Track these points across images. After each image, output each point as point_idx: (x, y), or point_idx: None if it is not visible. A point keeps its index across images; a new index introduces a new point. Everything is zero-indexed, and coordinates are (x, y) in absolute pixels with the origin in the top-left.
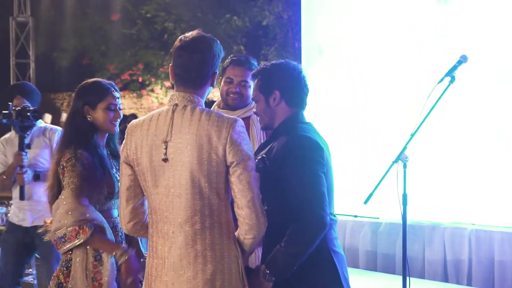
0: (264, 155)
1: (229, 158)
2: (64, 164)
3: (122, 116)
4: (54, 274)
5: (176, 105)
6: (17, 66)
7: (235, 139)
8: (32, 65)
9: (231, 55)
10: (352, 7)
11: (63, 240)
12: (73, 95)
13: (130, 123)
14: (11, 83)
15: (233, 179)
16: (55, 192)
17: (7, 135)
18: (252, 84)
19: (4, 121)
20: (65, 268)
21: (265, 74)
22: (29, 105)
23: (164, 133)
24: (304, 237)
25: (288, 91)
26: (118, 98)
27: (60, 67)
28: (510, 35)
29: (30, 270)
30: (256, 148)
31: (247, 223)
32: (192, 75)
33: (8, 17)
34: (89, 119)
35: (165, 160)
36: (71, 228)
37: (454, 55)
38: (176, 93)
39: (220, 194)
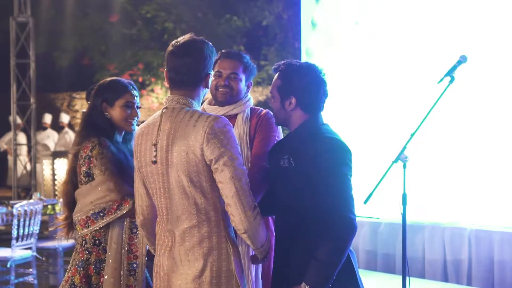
0: (290, 156)
1: (208, 156)
2: (90, 154)
3: (139, 115)
4: (68, 275)
5: (166, 108)
6: (17, 66)
7: (212, 136)
8: (32, 65)
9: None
10: (352, 7)
11: (101, 215)
12: (73, 95)
13: (138, 127)
14: (11, 83)
15: (216, 176)
16: (70, 188)
17: None
18: (243, 78)
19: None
20: (81, 269)
21: (287, 75)
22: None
23: (153, 136)
24: (338, 243)
25: (305, 98)
26: (137, 96)
27: (60, 67)
28: (510, 35)
29: (30, 270)
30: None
31: (233, 219)
32: (183, 78)
33: (8, 17)
34: (106, 116)
35: (154, 162)
36: (111, 202)
37: (454, 55)
38: (169, 96)
39: (205, 193)
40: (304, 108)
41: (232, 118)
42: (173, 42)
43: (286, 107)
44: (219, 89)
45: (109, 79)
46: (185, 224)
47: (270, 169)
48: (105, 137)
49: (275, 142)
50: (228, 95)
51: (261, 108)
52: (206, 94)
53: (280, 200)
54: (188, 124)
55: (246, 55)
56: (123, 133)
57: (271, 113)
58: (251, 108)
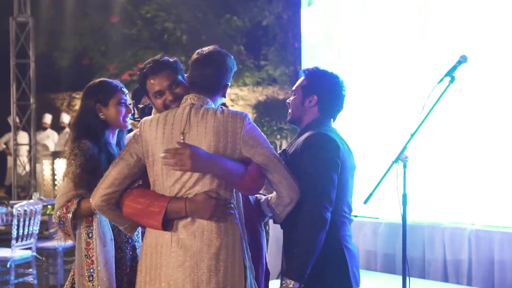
0: (286, 149)
1: (243, 145)
2: (69, 156)
3: (133, 111)
4: (71, 274)
5: (193, 104)
6: (17, 66)
7: (248, 128)
8: (32, 65)
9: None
10: (352, 7)
11: (61, 222)
12: (73, 95)
13: (143, 119)
14: (11, 83)
15: (258, 158)
16: None
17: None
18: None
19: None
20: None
21: (313, 76)
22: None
23: (181, 126)
24: (306, 236)
25: (325, 99)
26: (127, 94)
27: (60, 67)
28: (510, 35)
29: (30, 270)
30: None
31: (287, 192)
32: (204, 84)
33: (8, 17)
34: (101, 116)
35: None
36: (61, 208)
37: (454, 55)
38: (191, 94)
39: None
40: (320, 108)
41: None
42: (198, 50)
43: (306, 104)
44: (171, 105)
45: (97, 80)
46: None
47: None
48: (94, 139)
49: None
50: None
51: (228, 108)
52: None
53: None
54: (223, 117)
55: (166, 58)
56: (116, 132)
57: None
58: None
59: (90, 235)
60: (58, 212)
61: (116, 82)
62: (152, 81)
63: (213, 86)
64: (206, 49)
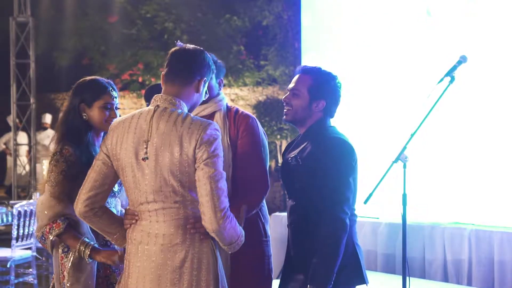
0: (297, 154)
1: (197, 158)
2: (51, 160)
3: (119, 116)
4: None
5: (158, 106)
6: (17, 66)
7: (205, 140)
8: (32, 65)
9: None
10: (352, 7)
11: (43, 239)
12: None
13: (114, 120)
14: (11, 83)
15: (196, 175)
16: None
17: None
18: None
19: None
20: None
21: (320, 79)
22: None
23: (145, 133)
24: (330, 242)
25: (331, 104)
26: (116, 97)
27: (60, 67)
28: (510, 35)
29: (30, 270)
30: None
31: (205, 217)
32: (176, 73)
33: (8, 17)
34: (84, 117)
35: (145, 159)
36: (45, 226)
37: (454, 55)
38: (159, 95)
39: (194, 191)
40: (325, 112)
41: (208, 117)
42: (180, 43)
43: (313, 108)
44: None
45: (88, 78)
46: (168, 217)
47: (276, 168)
48: (77, 141)
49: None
50: None
51: (236, 107)
52: (199, 101)
53: (289, 197)
54: (182, 126)
55: (209, 55)
56: (101, 134)
57: (252, 116)
58: (227, 107)
59: (66, 249)
60: (41, 230)
61: (107, 82)
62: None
63: (185, 76)
64: (185, 44)
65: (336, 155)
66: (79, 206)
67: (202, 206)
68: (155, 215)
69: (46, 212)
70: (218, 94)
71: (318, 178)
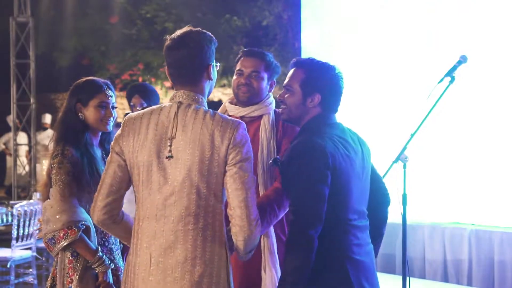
0: (277, 156)
1: (229, 159)
2: (51, 161)
3: (115, 115)
4: (51, 275)
5: (181, 102)
6: (17, 66)
7: (238, 140)
8: (32, 65)
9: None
10: (352, 7)
11: (53, 241)
12: None
13: (128, 116)
14: (11, 83)
15: (228, 178)
16: (48, 190)
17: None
18: (265, 77)
19: None
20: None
21: (313, 72)
22: (146, 105)
23: (168, 130)
24: (294, 261)
25: (329, 97)
26: (112, 96)
27: (60, 67)
28: (510, 35)
29: (30, 270)
30: (263, 151)
31: (237, 224)
32: (183, 72)
33: (8, 17)
34: (80, 117)
35: (169, 157)
36: (58, 231)
37: (454, 55)
38: (180, 91)
39: (218, 196)
40: (323, 107)
41: (256, 120)
42: (170, 36)
43: (308, 104)
44: (240, 88)
45: (84, 78)
46: (189, 226)
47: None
48: (75, 142)
49: None
50: (249, 94)
51: None
52: (213, 87)
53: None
54: (213, 124)
55: (269, 53)
56: (99, 134)
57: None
58: (275, 111)
59: (75, 254)
60: (52, 233)
61: (103, 82)
62: (242, 60)
63: (193, 70)
64: (177, 32)
65: (303, 161)
66: (96, 213)
67: (234, 210)
68: (170, 222)
69: (58, 217)
70: (268, 96)
71: (288, 187)
